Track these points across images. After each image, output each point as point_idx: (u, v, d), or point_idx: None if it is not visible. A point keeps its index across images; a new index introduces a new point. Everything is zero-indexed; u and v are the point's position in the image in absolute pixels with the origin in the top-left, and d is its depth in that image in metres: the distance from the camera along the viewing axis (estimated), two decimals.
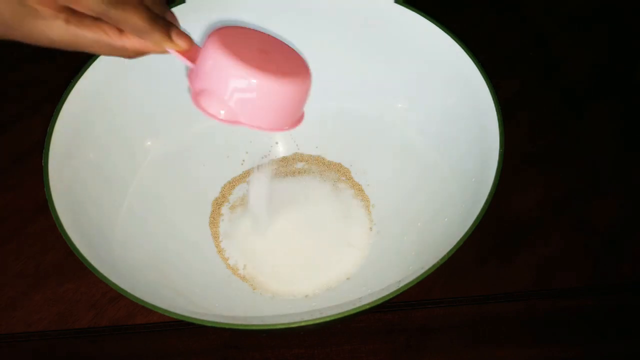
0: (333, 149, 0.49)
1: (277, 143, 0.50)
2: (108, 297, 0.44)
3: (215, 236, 0.46)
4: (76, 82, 0.41)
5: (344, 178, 0.48)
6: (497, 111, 0.39)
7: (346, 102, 0.49)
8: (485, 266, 0.45)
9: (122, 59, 0.43)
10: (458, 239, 0.34)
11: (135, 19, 0.30)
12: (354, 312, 0.33)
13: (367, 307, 0.33)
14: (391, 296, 0.33)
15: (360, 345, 0.42)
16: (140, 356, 0.42)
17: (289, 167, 0.49)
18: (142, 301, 0.33)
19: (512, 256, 0.45)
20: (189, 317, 0.33)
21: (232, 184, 0.48)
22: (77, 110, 0.41)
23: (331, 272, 0.43)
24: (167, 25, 0.32)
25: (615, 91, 0.54)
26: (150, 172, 0.46)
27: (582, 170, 0.49)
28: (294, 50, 0.36)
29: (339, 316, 0.33)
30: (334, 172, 0.48)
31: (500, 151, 0.37)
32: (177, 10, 0.45)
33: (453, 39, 0.42)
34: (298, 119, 0.35)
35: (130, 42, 0.31)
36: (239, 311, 0.42)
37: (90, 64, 0.42)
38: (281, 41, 0.36)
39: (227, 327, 0.33)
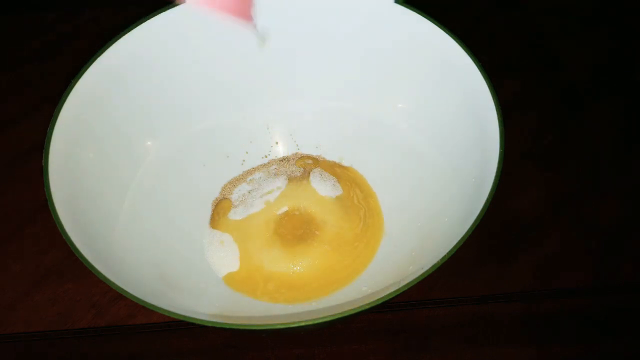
0: (333, 148, 0.49)
1: (277, 143, 0.50)
2: (108, 297, 0.44)
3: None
4: (76, 82, 0.41)
5: (344, 178, 0.48)
6: (497, 111, 0.39)
7: (346, 102, 0.49)
8: (485, 266, 0.45)
9: (121, 59, 0.43)
10: (458, 239, 0.34)
11: None
12: (354, 312, 0.33)
13: (367, 307, 0.33)
14: (391, 296, 0.33)
15: (360, 345, 0.42)
16: (140, 356, 0.42)
17: (289, 167, 0.49)
18: (142, 301, 0.33)
19: (512, 256, 0.45)
20: (189, 317, 0.33)
21: (232, 184, 0.48)
22: (77, 110, 0.41)
23: None
24: None
25: (616, 91, 0.54)
26: (150, 172, 0.46)
27: (582, 170, 0.49)
28: None
29: (339, 316, 0.33)
30: (334, 171, 0.48)
31: (500, 151, 0.37)
32: (177, 10, 0.45)
33: (453, 39, 0.42)
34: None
35: None
36: (239, 311, 0.42)
37: (90, 64, 0.42)
38: None
39: (227, 327, 0.33)
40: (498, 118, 0.38)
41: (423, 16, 0.43)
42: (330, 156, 0.49)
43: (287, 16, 0.47)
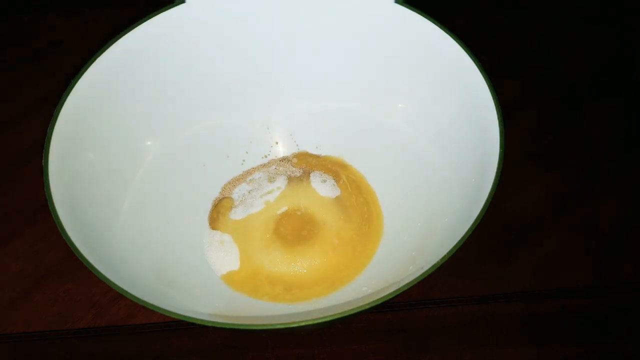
0: (333, 149, 0.49)
1: (277, 143, 0.50)
2: (108, 297, 0.44)
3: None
4: (76, 82, 0.41)
5: (344, 178, 0.48)
6: (497, 111, 0.39)
7: (346, 102, 0.49)
8: (485, 266, 0.45)
9: (121, 59, 0.43)
10: (458, 239, 0.34)
11: None
12: (354, 312, 0.33)
13: (367, 307, 0.33)
14: (391, 296, 0.33)
15: (360, 345, 0.42)
16: (140, 356, 0.42)
17: (289, 167, 0.49)
18: (142, 301, 0.33)
19: (512, 256, 0.45)
20: (189, 317, 0.33)
21: (232, 184, 0.48)
22: (77, 110, 0.41)
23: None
24: None
25: (616, 91, 0.54)
26: (150, 172, 0.46)
27: (582, 170, 0.49)
28: None
29: (339, 316, 0.33)
30: (334, 172, 0.48)
31: (500, 151, 0.37)
32: (177, 10, 0.45)
33: (453, 39, 0.42)
34: None
35: None
36: (239, 311, 0.42)
37: (90, 64, 0.42)
38: None
39: (227, 327, 0.33)
40: (498, 118, 0.38)
41: (423, 16, 0.43)
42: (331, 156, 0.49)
43: (287, 16, 0.47)
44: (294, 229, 0.45)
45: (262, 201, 0.47)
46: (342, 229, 0.45)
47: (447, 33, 0.42)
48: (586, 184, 0.49)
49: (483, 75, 0.40)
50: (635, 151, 0.50)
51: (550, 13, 0.60)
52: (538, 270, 0.45)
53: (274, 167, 0.49)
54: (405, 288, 0.33)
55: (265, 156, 0.50)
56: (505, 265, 0.45)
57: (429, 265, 0.34)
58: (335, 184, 0.47)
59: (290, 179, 0.48)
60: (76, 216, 0.37)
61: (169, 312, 0.33)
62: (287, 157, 0.49)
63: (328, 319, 0.33)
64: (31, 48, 0.59)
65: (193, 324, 0.33)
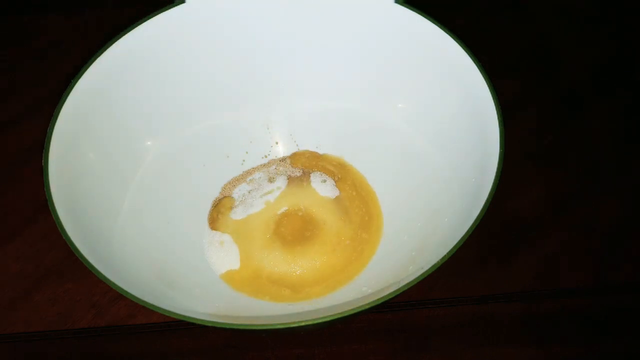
0: (333, 149, 0.49)
1: (277, 143, 0.50)
2: (108, 297, 0.44)
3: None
4: (76, 82, 0.41)
5: (344, 178, 0.48)
6: (497, 111, 0.39)
7: (346, 102, 0.49)
8: (485, 266, 0.45)
9: (121, 59, 0.43)
10: (458, 239, 0.34)
11: None
12: (354, 312, 0.33)
13: (367, 307, 0.33)
14: (391, 296, 0.33)
15: (360, 345, 0.42)
16: (140, 356, 0.42)
17: (289, 167, 0.49)
18: (142, 301, 0.33)
19: (512, 256, 0.45)
20: (189, 317, 0.33)
21: (232, 184, 0.48)
22: (77, 110, 0.41)
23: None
24: None
25: (616, 91, 0.54)
26: (150, 172, 0.46)
27: (582, 170, 0.49)
28: None
29: (339, 316, 0.33)
30: (334, 172, 0.48)
31: (500, 151, 0.37)
32: (177, 10, 0.45)
33: (453, 39, 0.42)
34: None
35: None
36: (239, 311, 0.42)
37: (90, 64, 0.42)
38: None
39: (227, 327, 0.33)
40: (498, 118, 0.38)
41: (423, 16, 0.43)
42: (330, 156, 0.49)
43: (287, 16, 0.47)
44: (294, 229, 0.45)
45: (262, 201, 0.47)
46: (342, 229, 0.45)
47: (447, 33, 0.42)
48: (586, 184, 0.49)
49: (483, 75, 0.40)
50: (636, 151, 0.50)
51: (550, 13, 0.60)
52: (538, 270, 0.45)
53: (274, 167, 0.49)
54: (405, 288, 0.33)
55: (265, 156, 0.50)
56: (505, 265, 0.45)
57: (429, 265, 0.34)
58: (335, 184, 0.47)
59: (290, 179, 0.48)
60: (76, 216, 0.37)
61: (169, 312, 0.33)
62: (287, 157, 0.49)
63: (328, 319, 0.33)
64: (31, 48, 0.59)
65: (193, 324, 0.33)
